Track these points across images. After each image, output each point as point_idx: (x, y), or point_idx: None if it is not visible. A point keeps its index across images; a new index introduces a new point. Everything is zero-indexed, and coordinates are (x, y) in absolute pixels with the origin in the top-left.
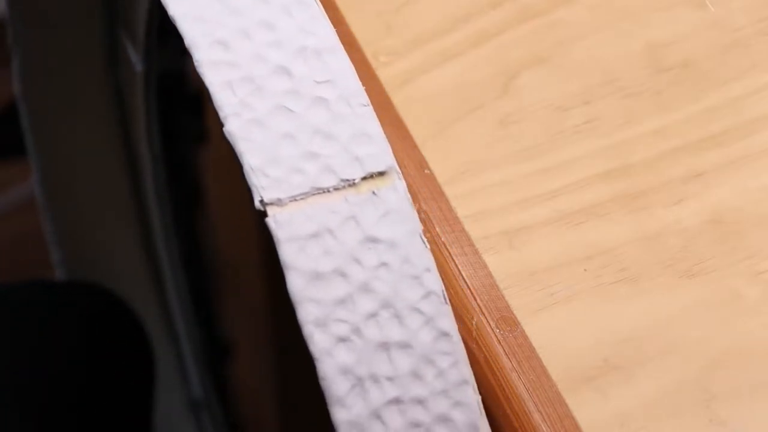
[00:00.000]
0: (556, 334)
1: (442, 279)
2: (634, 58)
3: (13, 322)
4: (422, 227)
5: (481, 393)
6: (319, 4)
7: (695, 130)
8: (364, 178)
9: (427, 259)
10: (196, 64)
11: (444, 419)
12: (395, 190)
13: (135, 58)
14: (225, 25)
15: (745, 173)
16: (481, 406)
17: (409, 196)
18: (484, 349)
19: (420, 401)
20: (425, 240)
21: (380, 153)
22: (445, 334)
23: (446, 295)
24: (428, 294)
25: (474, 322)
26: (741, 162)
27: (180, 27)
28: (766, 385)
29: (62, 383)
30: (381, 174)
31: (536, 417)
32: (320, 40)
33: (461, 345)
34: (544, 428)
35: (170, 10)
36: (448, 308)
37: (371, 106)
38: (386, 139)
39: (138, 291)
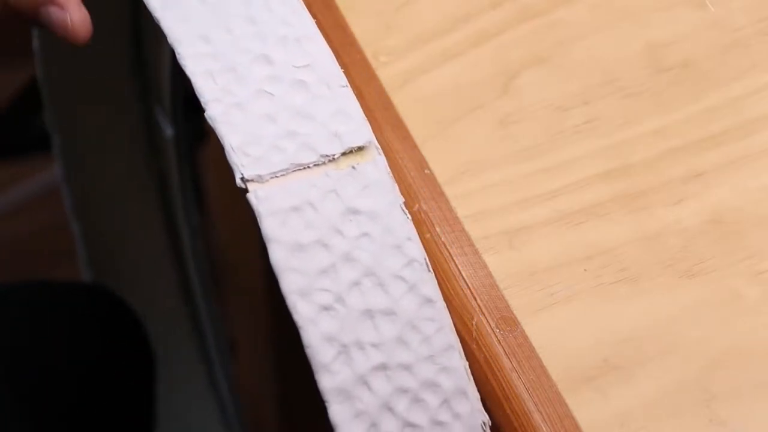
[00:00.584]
0: (556, 334)
1: (443, 279)
2: (634, 58)
3: (12, 322)
4: (404, 200)
5: (481, 393)
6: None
7: (695, 130)
8: (343, 154)
9: (409, 229)
10: (178, 57)
11: (431, 384)
12: (375, 164)
13: (164, 123)
14: (207, 23)
15: (745, 173)
16: (469, 371)
17: (389, 169)
18: (484, 349)
19: (406, 367)
20: (406, 211)
21: (359, 129)
22: (429, 301)
23: (429, 263)
24: (410, 262)
25: (474, 322)
26: (741, 162)
27: (163, 27)
28: (766, 385)
29: (62, 383)
30: (360, 149)
31: (536, 417)
32: (299, 30)
33: (446, 311)
34: (544, 428)
35: (155, 13)
36: (431, 275)
37: (350, 87)
38: (365, 117)
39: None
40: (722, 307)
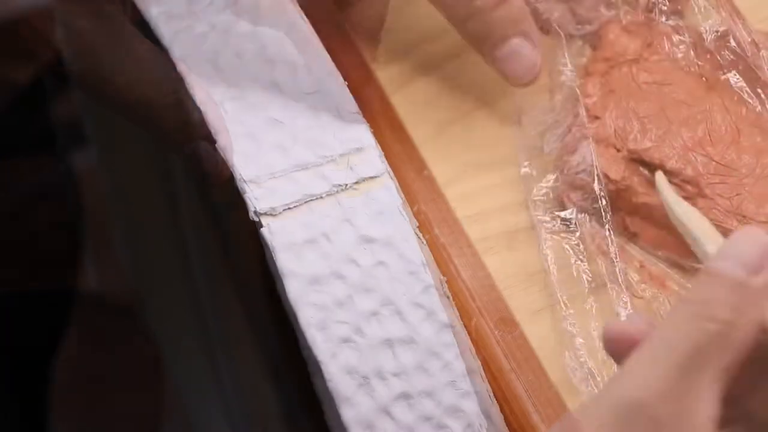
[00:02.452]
0: (556, 335)
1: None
2: None
3: (16, 330)
4: (417, 224)
5: None
6: (307, 21)
7: None
8: (356, 183)
9: (424, 254)
10: (187, 86)
11: (454, 410)
12: (387, 190)
13: None
14: (216, 48)
15: None
16: (491, 393)
17: (401, 194)
18: (483, 350)
19: (428, 394)
20: (420, 235)
21: (371, 158)
22: (447, 326)
23: (446, 287)
24: (427, 288)
25: (473, 323)
26: None
27: (171, 53)
28: None
29: (67, 388)
30: (373, 178)
31: (535, 418)
32: (309, 56)
33: (465, 335)
34: (543, 429)
35: (163, 42)
36: (448, 300)
37: (361, 113)
38: (377, 144)
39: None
40: None
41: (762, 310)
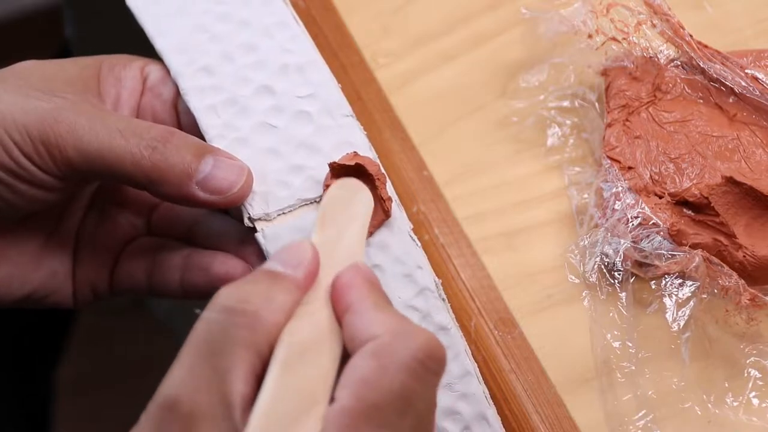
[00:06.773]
0: (555, 336)
1: (441, 281)
2: None
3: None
4: (412, 226)
5: None
6: (300, 22)
7: None
8: None
9: (418, 257)
10: (181, 92)
11: (451, 412)
12: None
13: None
14: (208, 52)
15: None
16: (488, 395)
17: (396, 196)
18: (482, 350)
19: None
20: (415, 238)
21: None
22: (443, 328)
23: (442, 290)
24: (422, 291)
25: (472, 324)
26: None
27: (165, 59)
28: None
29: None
30: None
31: (535, 418)
32: (301, 57)
33: (461, 337)
34: (542, 429)
35: (156, 44)
36: (444, 302)
37: (354, 117)
38: (371, 147)
39: None
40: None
41: (293, 295)
